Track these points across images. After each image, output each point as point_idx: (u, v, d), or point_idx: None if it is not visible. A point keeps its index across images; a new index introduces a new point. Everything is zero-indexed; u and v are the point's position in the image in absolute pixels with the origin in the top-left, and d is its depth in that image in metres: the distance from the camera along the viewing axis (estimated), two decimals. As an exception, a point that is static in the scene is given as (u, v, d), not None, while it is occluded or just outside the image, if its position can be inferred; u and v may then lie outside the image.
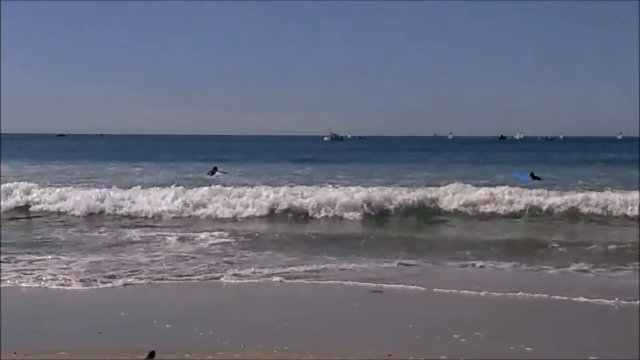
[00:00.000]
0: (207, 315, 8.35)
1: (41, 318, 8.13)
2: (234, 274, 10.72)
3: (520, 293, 9.29)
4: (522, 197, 18.96)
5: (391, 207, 18.74)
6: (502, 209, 18.63)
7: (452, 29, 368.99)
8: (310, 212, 18.38)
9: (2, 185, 20.57)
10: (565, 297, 9.03)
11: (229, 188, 20.43)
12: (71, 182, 25.82)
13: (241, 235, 14.89)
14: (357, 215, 17.99)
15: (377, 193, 19.22)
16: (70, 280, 10.25)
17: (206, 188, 20.06)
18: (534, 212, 18.49)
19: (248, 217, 18.27)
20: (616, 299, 8.86)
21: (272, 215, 18.54)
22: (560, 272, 11.07)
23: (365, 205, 18.37)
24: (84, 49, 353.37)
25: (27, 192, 20.50)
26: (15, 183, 21.47)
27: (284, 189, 20.01)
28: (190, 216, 18.42)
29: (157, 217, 18.25)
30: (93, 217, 18.42)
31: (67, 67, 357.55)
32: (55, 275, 10.58)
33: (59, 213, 18.97)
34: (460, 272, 11.09)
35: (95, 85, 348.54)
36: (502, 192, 19.33)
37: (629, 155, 57.08)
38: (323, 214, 18.28)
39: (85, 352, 6.67)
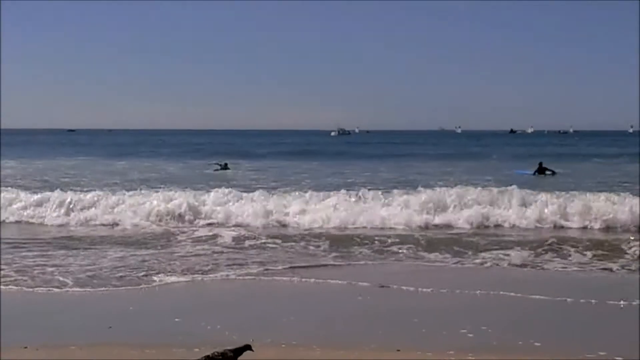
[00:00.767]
0: (215, 310, 8.39)
1: (53, 312, 8.20)
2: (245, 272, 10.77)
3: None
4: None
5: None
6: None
7: (459, 21, 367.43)
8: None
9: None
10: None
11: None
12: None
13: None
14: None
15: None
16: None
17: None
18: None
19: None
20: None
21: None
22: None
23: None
24: (94, 45, 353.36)
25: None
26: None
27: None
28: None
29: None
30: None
31: (76, 65, 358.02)
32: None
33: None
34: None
35: (104, 82, 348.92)
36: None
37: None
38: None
39: (95, 346, 6.72)
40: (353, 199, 17.46)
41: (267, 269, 10.92)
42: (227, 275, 10.47)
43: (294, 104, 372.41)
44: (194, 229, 15.64)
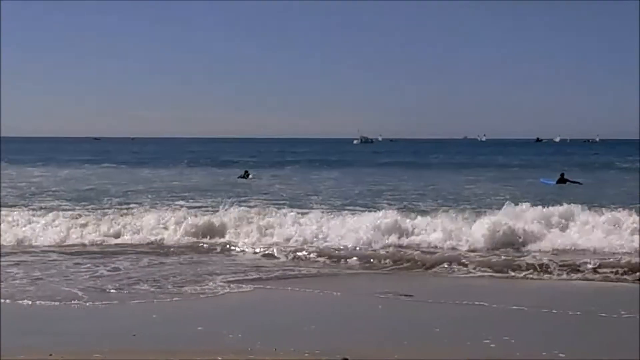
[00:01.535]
0: (237, 318, 8.43)
1: (74, 319, 8.29)
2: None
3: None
4: None
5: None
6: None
7: (484, 29, 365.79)
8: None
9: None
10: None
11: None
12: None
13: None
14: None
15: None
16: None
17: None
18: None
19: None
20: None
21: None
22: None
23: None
24: (117, 53, 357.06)
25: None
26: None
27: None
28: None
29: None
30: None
31: (101, 73, 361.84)
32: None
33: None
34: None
35: (128, 91, 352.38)
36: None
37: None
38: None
39: (119, 353, 6.80)
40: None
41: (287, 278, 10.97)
42: (249, 286, 10.49)
43: (315, 111, 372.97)
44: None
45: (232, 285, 10.39)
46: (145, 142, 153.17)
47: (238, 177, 36.66)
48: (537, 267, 11.70)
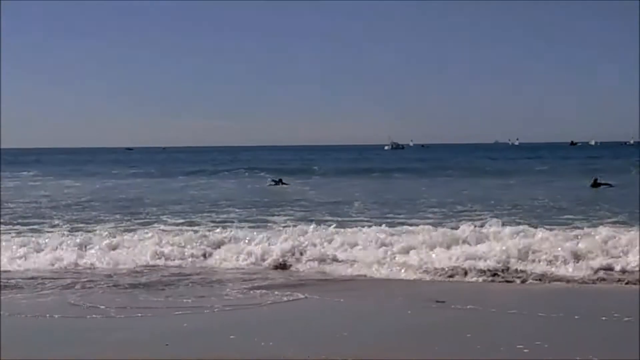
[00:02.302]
0: (269, 326, 8.47)
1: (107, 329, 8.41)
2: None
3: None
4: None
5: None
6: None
7: (513, 31, 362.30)
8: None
9: None
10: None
11: None
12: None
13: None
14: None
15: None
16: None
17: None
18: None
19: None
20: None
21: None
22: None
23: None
24: (142, 69, 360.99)
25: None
26: None
27: None
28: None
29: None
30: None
31: (133, 85, 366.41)
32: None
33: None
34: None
35: (159, 101, 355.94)
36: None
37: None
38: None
39: (152, 362, 6.88)
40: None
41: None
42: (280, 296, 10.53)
43: (347, 117, 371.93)
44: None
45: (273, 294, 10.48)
46: (177, 151, 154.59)
47: (268, 184, 36.97)
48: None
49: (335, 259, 13.52)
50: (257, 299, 10.13)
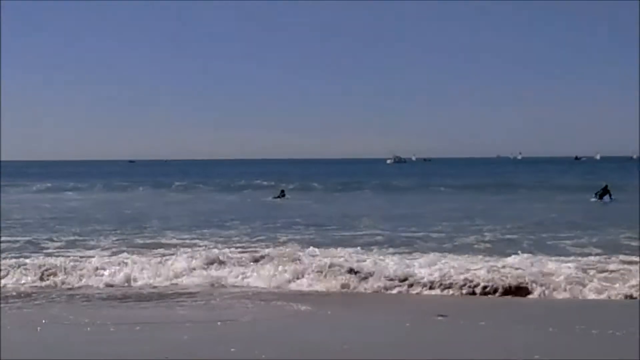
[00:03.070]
0: (270, 339, 8.43)
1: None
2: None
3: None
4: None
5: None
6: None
7: (515, 40, 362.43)
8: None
9: None
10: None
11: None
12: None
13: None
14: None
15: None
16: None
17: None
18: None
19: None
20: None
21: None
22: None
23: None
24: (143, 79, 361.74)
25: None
26: None
27: None
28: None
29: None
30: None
31: (136, 97, 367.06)
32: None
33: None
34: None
35: (160, 113, 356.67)
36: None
37: None
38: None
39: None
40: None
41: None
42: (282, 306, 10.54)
43: (349, 131, 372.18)
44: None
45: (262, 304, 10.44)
46: (178, 164, 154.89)
47: (273, 197, 37.05)
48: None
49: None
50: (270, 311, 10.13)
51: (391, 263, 13.61)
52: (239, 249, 15.93)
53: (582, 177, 60.92)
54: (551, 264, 13.12)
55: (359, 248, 15.96)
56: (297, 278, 13.23)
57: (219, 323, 9.32)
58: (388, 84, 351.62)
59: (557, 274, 12.48)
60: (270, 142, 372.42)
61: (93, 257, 15.06)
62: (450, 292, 12.09)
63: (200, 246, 17.06)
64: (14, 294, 12.18)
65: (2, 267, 13.88)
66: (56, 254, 15.99)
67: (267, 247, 16.29)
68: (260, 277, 13.39)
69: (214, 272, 13.80)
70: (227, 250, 15.54)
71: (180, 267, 14.07)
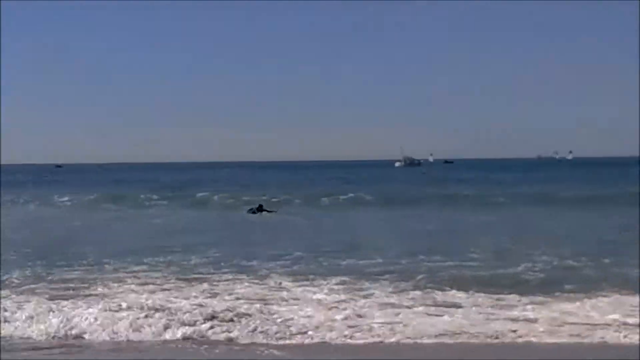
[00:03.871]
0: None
1: None
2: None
3: None
4: None
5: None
6: None
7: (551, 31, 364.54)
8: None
9: None
10: None
11: None
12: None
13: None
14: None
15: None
16: None
17: None
18: None
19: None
20: None
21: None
22: None
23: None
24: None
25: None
26: None
27: None
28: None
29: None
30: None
31: (62, 97, 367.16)
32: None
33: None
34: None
35: (90, 113, 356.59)
36: None
37: None
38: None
39: None
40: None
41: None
42: None
43: (351, 128, 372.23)
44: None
45: None
46: (115, 169, 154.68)
47: (248, 211, 36.71)
48: None
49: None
50: None
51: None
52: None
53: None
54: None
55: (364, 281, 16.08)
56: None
57: None
58: (395, 63, 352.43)
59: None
60: (241, 142, 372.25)
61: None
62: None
63: (157, 284, 16.59)
64: None
65: None
66: None
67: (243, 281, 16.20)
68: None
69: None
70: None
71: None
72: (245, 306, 13.70)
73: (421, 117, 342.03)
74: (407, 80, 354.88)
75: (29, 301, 14.27)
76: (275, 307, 13.71)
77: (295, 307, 13.86)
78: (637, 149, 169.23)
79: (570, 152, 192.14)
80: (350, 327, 12.41)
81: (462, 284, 15.99)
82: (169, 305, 13.73)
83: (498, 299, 14.46)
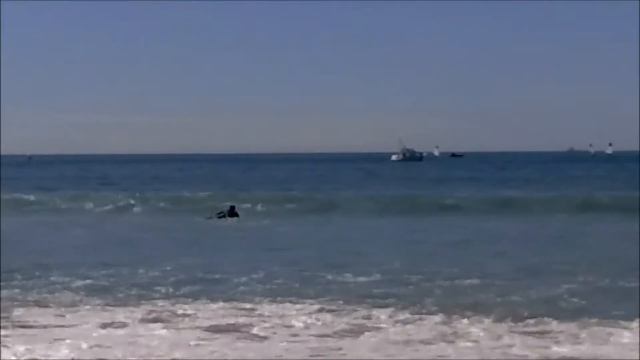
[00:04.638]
0: None
1: None
2: None
3: None
4: None
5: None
6: None
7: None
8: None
9: None
10: None
11: None
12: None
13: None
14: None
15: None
16: None
17: None
18: None
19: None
20: None
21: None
22: None
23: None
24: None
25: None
26: None
27: None
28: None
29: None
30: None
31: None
32: None
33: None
34: None
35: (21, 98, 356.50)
36: None
37: None
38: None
39: None
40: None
41: None
42: None
43: (336, 117, 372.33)
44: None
45: None
46: (49, 161, 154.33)
47: (217, 215, 36.99)
48: None
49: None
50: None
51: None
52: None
53: None
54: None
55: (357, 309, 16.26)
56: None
57: None
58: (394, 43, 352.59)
59: None
60: (213, 131, 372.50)
61: None
62: None
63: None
64: None
65: None
66: None
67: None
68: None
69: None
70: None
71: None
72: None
73: (435, 104, 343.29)
74: (416, 61, 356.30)
75: None
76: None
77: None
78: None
79: (610, 144, 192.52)
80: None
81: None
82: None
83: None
